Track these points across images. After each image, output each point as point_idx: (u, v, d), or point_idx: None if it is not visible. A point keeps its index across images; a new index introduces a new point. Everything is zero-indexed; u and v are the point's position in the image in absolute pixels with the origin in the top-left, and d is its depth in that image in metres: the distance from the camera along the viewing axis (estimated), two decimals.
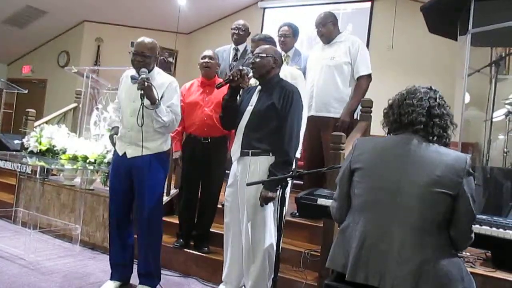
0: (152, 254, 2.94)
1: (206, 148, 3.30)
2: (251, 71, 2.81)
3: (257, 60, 2.75)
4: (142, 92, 2.65)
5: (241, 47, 4.06)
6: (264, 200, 2.61)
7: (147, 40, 2.86)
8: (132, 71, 2.87)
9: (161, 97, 2.79)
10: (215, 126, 3.26)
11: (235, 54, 4.06)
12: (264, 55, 2.75)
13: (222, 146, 3.40)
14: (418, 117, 1.71)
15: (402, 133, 1.75)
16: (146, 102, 2.67)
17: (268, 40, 3.27)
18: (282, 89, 2.71)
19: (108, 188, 3.96)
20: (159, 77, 2.89)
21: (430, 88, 1.78)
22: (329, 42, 3.77)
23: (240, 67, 2.81)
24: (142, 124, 2.66)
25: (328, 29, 3.75)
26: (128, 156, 2.86)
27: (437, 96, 1.75)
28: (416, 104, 1.73)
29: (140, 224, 2.92)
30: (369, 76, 3.67)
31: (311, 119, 3.68)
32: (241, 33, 4.04)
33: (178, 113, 2.89)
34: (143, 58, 2.80)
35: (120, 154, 2.90)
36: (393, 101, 1.82)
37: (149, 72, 2.79)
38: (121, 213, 2.96)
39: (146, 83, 2.64)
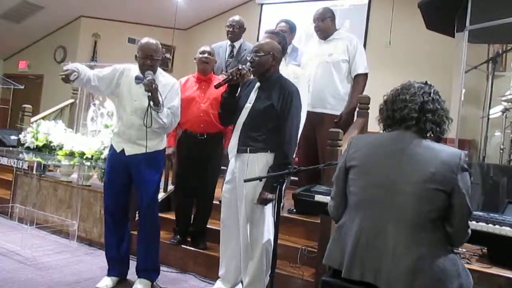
0: (151, 249, 2.97)
1: (203, 144, 3.28)
2: (251, 69, 2.76)
3: (256, 59, 2.71)
4: (150, 94, 2.66)
5: (237, 44, 3.97)
6: (263, 202, 2.60)
7: (152, 41, 2.84)
8: (133, 68, 2.88)
9: (164, 98, 2.81)
10: (212, 122, 3.25)
11: (231, 51, 3.98)
12: (262, 53, 2.70)
13: (219, 143, 3.39)
14: (410, 112, 1.70)
15: (396, 130, 1.74)
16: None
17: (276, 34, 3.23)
18: (281, 89, 2.68)
19: None
20: (162, 79, 2.91)
21: (425, 83, 1.77)
22: (326, 38, 3.77)
23: (240, 66, 2.76)
24: (150, 125, 2.71)
25: (326, 24, 3.75)
26: (127, 154, 2.88)
27: (432, 91, 1.74)
28: (409, 99, 1.71)
29: (139, 220, 3.00)
30: (366, 75, 3.69)
31: (306, 114, 3.68)
32: (235, 30, 3.92)
33: (178, 115, 2.94)
34: (153, 62, 2.81)
35: (118, 150, 2.90)
36: (387, 97, 1.81)
37: (154, 73, 2.80)
38: (117, 207, 2.97)
39: (153, 85, 2.66)
